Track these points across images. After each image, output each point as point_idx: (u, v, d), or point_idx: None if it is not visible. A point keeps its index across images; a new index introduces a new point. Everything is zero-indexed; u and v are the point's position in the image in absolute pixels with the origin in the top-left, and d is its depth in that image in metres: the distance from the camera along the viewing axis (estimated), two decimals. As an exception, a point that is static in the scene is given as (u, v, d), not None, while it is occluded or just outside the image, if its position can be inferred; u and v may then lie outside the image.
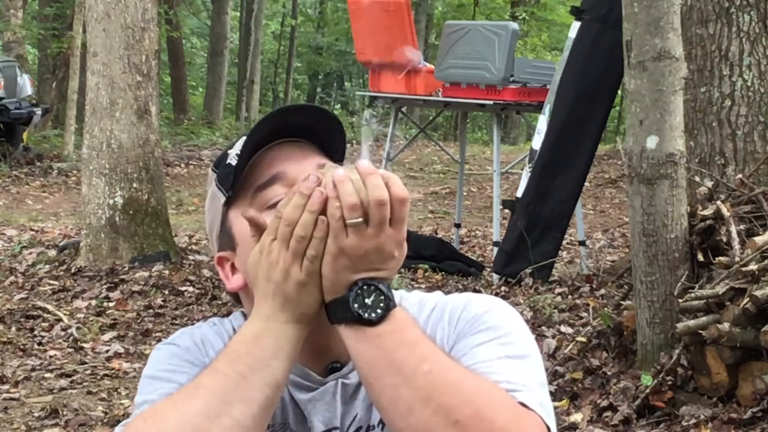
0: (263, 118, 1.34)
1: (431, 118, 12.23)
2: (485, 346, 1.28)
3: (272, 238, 1.21)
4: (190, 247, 7.54)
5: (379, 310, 1.20)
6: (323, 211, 1.18)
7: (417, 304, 1.38)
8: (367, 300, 1.19)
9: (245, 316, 1.41)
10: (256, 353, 1.21)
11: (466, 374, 1.21)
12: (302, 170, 1.30)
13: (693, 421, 3.82)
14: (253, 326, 1.23)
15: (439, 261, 7.16)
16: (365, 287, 1.19)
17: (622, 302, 4.80)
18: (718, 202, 4.35)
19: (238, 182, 1.33)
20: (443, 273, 7.04)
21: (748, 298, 3.75)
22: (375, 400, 1.21)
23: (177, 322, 5.79)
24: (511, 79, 7.28)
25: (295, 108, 1.35)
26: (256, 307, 1.24)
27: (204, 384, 1.21)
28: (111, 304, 6.10)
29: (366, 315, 1.19)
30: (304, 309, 1.22)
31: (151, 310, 6.01)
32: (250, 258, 1.24)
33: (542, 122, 6.76)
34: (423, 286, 6.56)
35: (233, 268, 1.36)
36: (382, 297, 1.20)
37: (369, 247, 1.18)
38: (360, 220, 1.17)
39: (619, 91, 6.95)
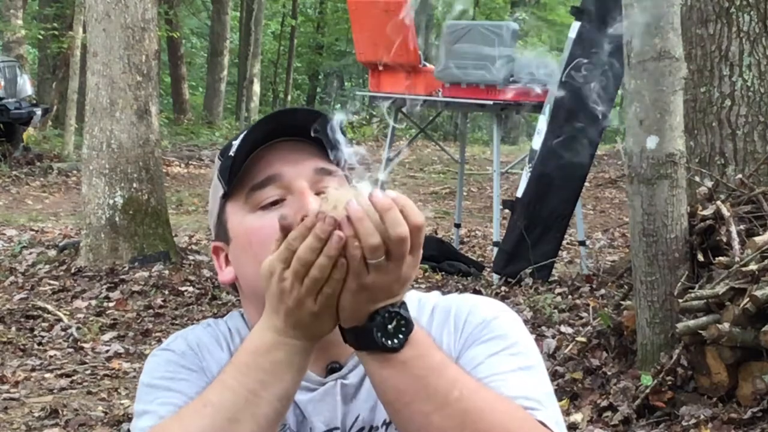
0: (261, 119, 1.33)
1: (431, 118, 12.21)
2: (497, 358, 1.28)
3: (284, 267, 1.14)
4: (190, 247, 7.54)
5: (401, 335, 1.17)
6: (341, 252, 1.12)
7: (416, 303, 1.38)
8: (389, 327, 1.16)
9: (243, 317, 1.40)
10: (266, 367, 1.17)
11: (495, 398, 1.21)
12: (298, 173, 1.30)
13: (693, 421, 3.81)
14: (263, 338, 1.18)
15: (439, 261, 7.16)
16: (386, 315, 1.16)
17: (622, 302, 4.80)
18: (718, 202, 4.35)
19: (234, 178, 1.33)
20: (443, 273, 7.05)
21: (748, 298, 3.75)
22: (402, 426, 1.19)
23: (177, 322, 5.79)
24: (511, 79, 7.28)
25: (292, 111, 1.34)
26: (266, 316, 1.19)
27: (211, 401, 1.18)
28: (111, 304, 6.10)
29: (390, 343, 1.16)
30: (317, 332, 1.19)
31: (151, 310, 6.01)
32: (262, 269, 1.17)
33: (542, 122, 6.76)
34: (423, 286, 6.55)
35: (227, 259, 1.36)
36: (403, 321, 1.17)
37: (391, 280, 1.14)
38: (383, 259, 1.12)
39: (619, 91, 6.95)
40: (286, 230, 1.15)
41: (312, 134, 1.28)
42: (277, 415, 1.19)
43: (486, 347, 1.29)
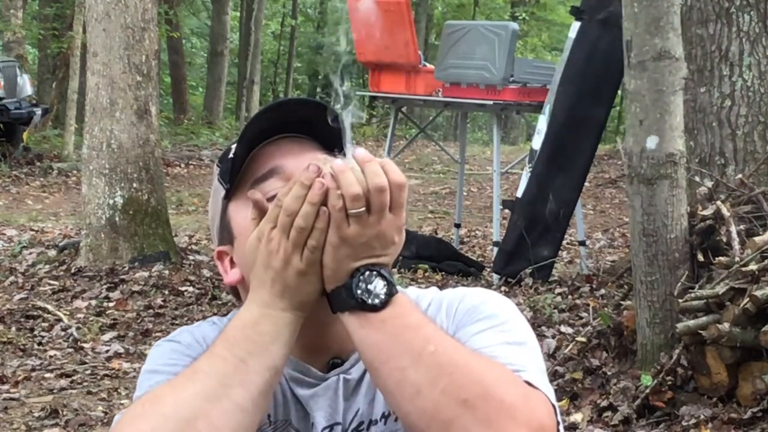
0: (258, 112, 1.34)
1: (431, 118, 12.22)
2: (485, 333, 1.28)
3: (272, 226, 1.20)
4: (190, 247, 7.54)
5: (382, 296, 1.19)
6: (324, 201, 1.17)
7: (414, 299, 1.38)
8: (369, 286, 1.19)
9: None
10: (254, 338, 1.21)
11: (472, 354, 1.21)
12: (299, 164, 1.29)
13: (693, 421, 3.82)
14: (251, 312, 1.23)
15: (439, 261, 7.16)
16: (367, 273, 1.19)
17: (622, 302, 4.80)
18: (718, 202, 4.35)
19: (236, 175, 1.34)
20: (443, 273, 7.05)
21: (748, 298, 3.75)
22: (381, 385, 1.21)
23: (177, 322, 5.79)
24: (511, 79, 7.28)
25: (291, 102, 1.34)
26: (252, 292, 1.23)
27: (202, 368, 1.20)
28: (111, 304, 6.10)
29: (370, 301, 1.19)
30: (303, 297, 1.22)
31: (151, 310, 6.01)
32: (247, 243, 1.24)
33: (542, 122, 6.77)
34: (423, 286, 6.55)
35: (232, 262, 1.36)
36: (385, 283, 1.20)
37: (371, 235, 1.18)
38: (363, 209, 1.17)
39: (619, 91, 6.95)
40: (258, 205, 1.23)
41: (330, 122, 1.29)
42: (267, 385, 1.21)
43: (474, 327, 1.30)
